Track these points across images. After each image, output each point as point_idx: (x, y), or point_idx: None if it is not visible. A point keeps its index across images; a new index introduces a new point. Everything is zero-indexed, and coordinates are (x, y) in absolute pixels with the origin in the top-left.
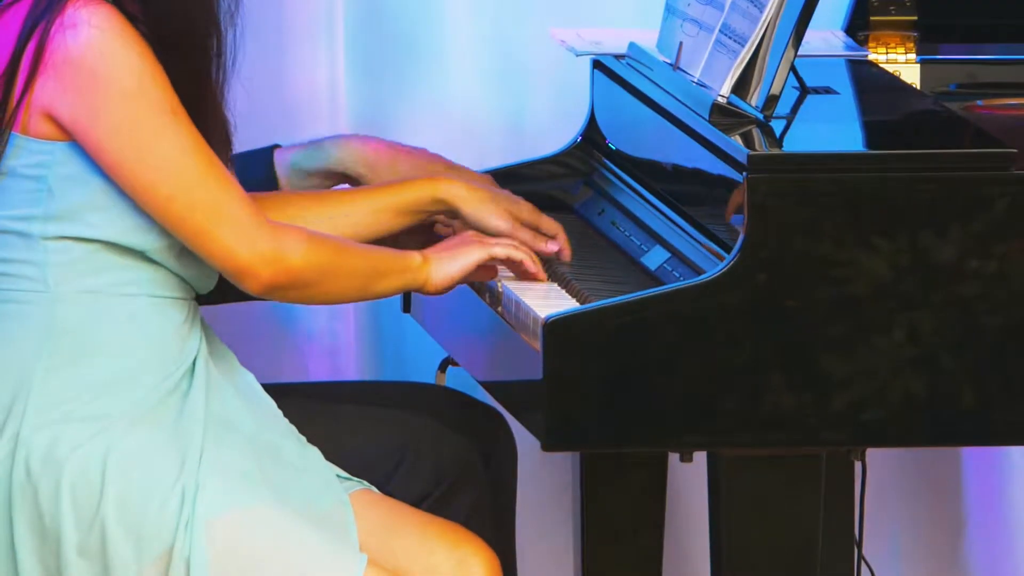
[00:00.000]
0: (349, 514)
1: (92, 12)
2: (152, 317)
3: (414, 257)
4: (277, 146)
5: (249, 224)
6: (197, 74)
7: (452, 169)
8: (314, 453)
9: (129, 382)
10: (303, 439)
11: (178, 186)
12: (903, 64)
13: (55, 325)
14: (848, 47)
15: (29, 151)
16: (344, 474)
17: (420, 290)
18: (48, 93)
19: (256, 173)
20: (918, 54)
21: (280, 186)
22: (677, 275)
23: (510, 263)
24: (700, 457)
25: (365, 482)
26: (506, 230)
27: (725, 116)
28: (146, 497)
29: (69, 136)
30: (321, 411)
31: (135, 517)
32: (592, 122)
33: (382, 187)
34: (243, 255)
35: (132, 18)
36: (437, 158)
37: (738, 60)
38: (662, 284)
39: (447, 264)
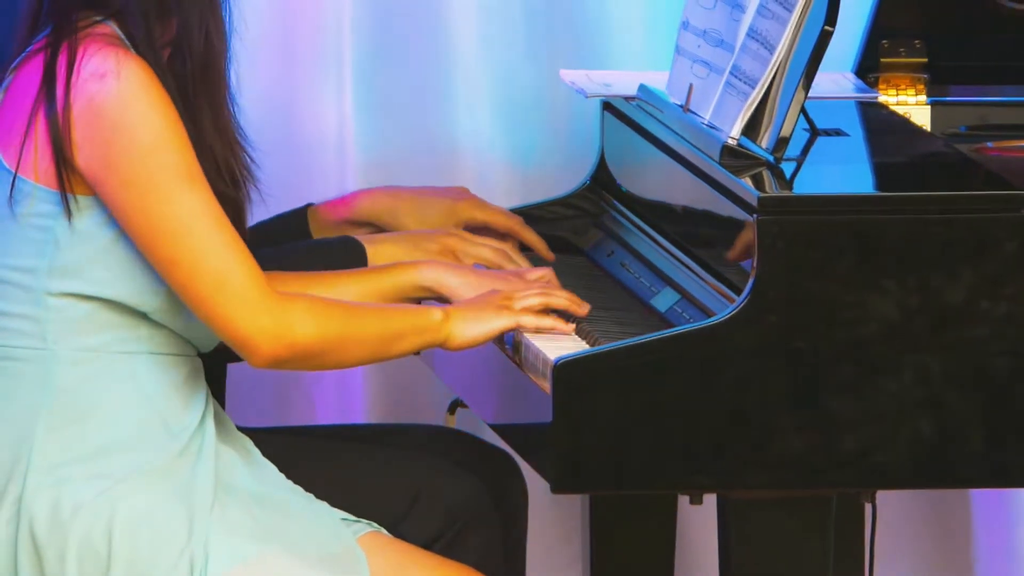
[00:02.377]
0: (361, 557)
1: (120, 64)
2: (154, 374)
3: (434, 314)
4: (311, 205)
5: (251, 296)
6: (221, 97)
7: (481, 208)
8: (322, 506)
9: (133, 441)
10: (311, 496)
11: (182, 252)
12: (913, 106)
13: (52, 384)
14: (858, 89)
15: (40, 199)
16: (351, 517)
17: (441, 347)
18: (66, 140)
19: (292, 230)
20: (928, 96)
21: (312, 236)
22: (687, 317)
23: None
24: (710, 499)
25: (374, 524)
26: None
27: (735, 158)
28: (153, 562)
29: (84, 187)
30: (332, 454)
31: None
32: (602, 164)
33: (370, 271)
34: (243, 328)
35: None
36: (463, 198)
37: (748, 102)
38: (672, 326)
39: (472, 325)
